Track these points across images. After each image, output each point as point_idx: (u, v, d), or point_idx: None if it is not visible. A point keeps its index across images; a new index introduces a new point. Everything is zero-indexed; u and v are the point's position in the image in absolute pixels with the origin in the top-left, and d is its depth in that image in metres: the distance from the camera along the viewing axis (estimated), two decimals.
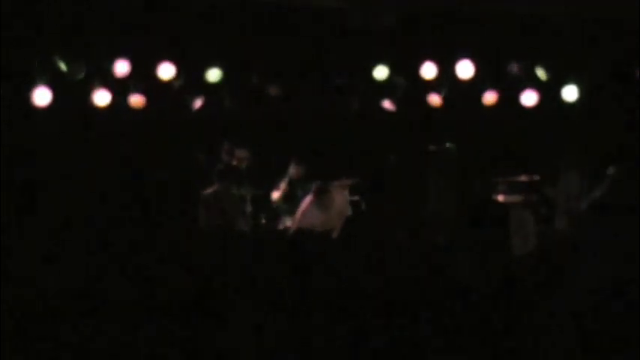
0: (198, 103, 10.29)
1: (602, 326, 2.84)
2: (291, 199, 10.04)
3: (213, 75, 10.03)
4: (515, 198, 10.76)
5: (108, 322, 4.76)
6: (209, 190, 9.43)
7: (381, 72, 10.37)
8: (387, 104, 10.80)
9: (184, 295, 5.34)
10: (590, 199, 9.03)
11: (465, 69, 10.41)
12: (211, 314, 3.61)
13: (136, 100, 9.95)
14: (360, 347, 3.86)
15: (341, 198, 9.64)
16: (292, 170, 10.00)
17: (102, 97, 9.75)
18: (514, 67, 10.60)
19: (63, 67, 9.52)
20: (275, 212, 9.99)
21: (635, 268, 2.62)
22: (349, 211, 9.73)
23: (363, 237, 8.86)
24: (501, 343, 3.63)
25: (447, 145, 11.24)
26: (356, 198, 10.00)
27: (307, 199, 9.40)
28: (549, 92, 10.76)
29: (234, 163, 9.88)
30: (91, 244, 7.88)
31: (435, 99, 10.70)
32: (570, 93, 10.78)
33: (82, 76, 9.57)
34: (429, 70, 10.32)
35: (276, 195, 10.00)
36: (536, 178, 11.08)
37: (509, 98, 10.73)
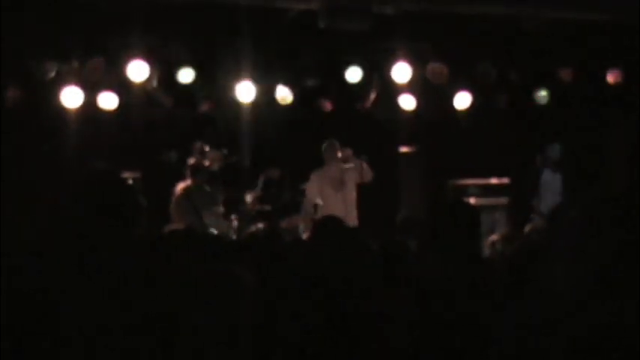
0: (169, 103, 10.25)
1: (573, 333, 2.86)
2: (267, 201, 10.04)
3: (186, 75, 9.97)
4: (487, 200, 10.85)
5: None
6: (181, 185, 9.36)
7: (353, 74, 10.36)
8: (358, 106, 10.83)
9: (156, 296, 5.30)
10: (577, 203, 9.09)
11: (436, 71, 10.43)
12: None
13: (107, 99, 9.89)
14: (328, 346, 3.86)
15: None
16: (270, 172, 9.99)
17: (72, 96, 9.66)
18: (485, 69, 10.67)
19: (33, 66, 9.42)
20: (248, 215, 9.96)
21: (614, 272, 2.63)
22: (369, 173, 9.86)
23: (335, 240, 8.83)
24: (471, 347, 3.65)
25: (419, 147, 11.31)
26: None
27: None
28: (521, 94, 10.83)
29: (207, 163, 9.83)
30: (60, 244, 7.79)
31: (407, 101, 10.72)
32: (542, 95, 10.86)
33: (52, 75, 9.47)
34: (401, 73, 10.32)
35: (249, 199, 9.96)
36: (507, 180, 11.18)
37: (481, 100, 10.79)
